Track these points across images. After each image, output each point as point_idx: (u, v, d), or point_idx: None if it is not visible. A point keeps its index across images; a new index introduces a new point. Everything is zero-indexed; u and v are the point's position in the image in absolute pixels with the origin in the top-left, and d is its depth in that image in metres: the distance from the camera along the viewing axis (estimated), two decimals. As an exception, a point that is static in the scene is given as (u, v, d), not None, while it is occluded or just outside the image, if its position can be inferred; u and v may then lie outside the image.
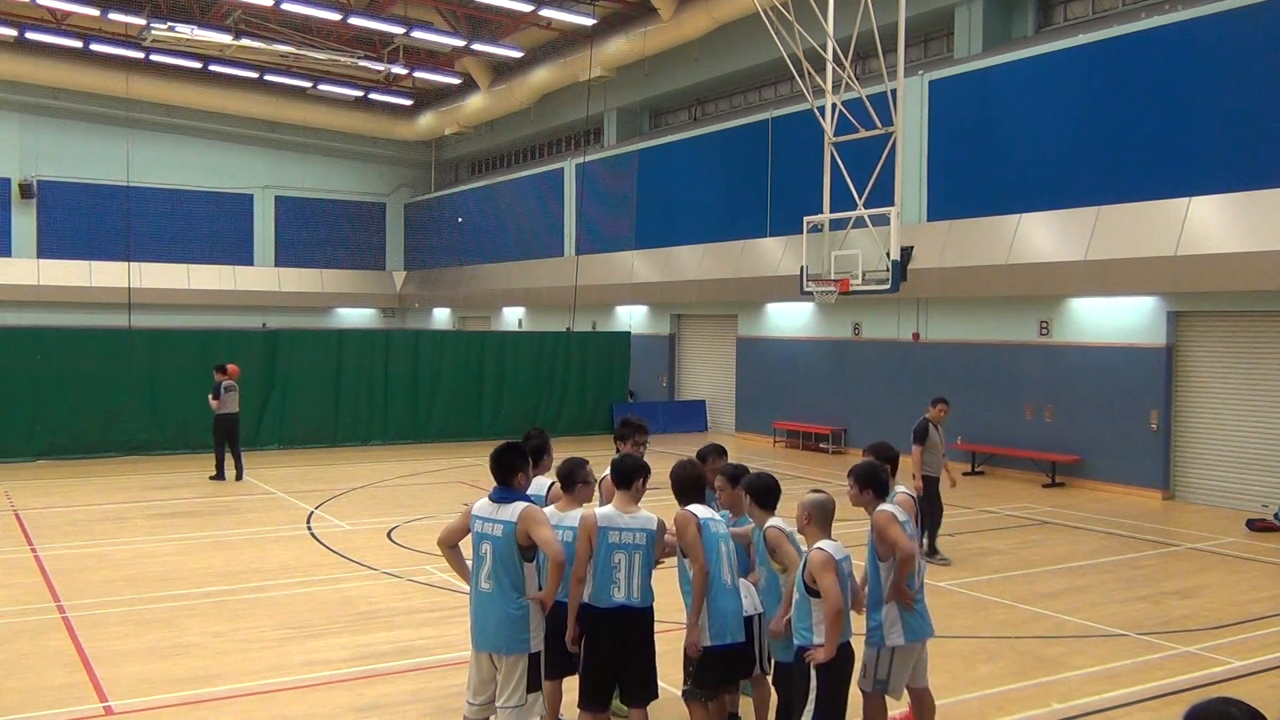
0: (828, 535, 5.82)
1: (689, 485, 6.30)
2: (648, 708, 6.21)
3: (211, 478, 17.68)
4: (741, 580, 6.33)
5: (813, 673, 5.60)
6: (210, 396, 17.63)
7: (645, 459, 6.72)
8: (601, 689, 6.14)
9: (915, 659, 6.39)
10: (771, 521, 6.20)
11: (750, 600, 6.33)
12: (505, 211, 36.41)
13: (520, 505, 5.80)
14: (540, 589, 5.90)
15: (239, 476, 17.76)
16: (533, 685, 5.81)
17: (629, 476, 6.21)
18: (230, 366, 17.98)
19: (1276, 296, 15.46)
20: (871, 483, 6.35)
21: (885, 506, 6.27)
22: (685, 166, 27.49)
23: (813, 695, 5.61)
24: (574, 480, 6.34)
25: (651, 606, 6.20)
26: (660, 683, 6.36)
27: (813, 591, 5.60)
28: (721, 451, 7.29)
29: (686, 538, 6.04)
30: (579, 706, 6.21)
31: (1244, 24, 15.90)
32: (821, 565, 5.57)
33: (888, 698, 6.43)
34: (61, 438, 19.98)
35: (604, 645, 6.06)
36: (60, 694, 7.59)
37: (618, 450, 7.04)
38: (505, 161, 40.10)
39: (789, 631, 5.85)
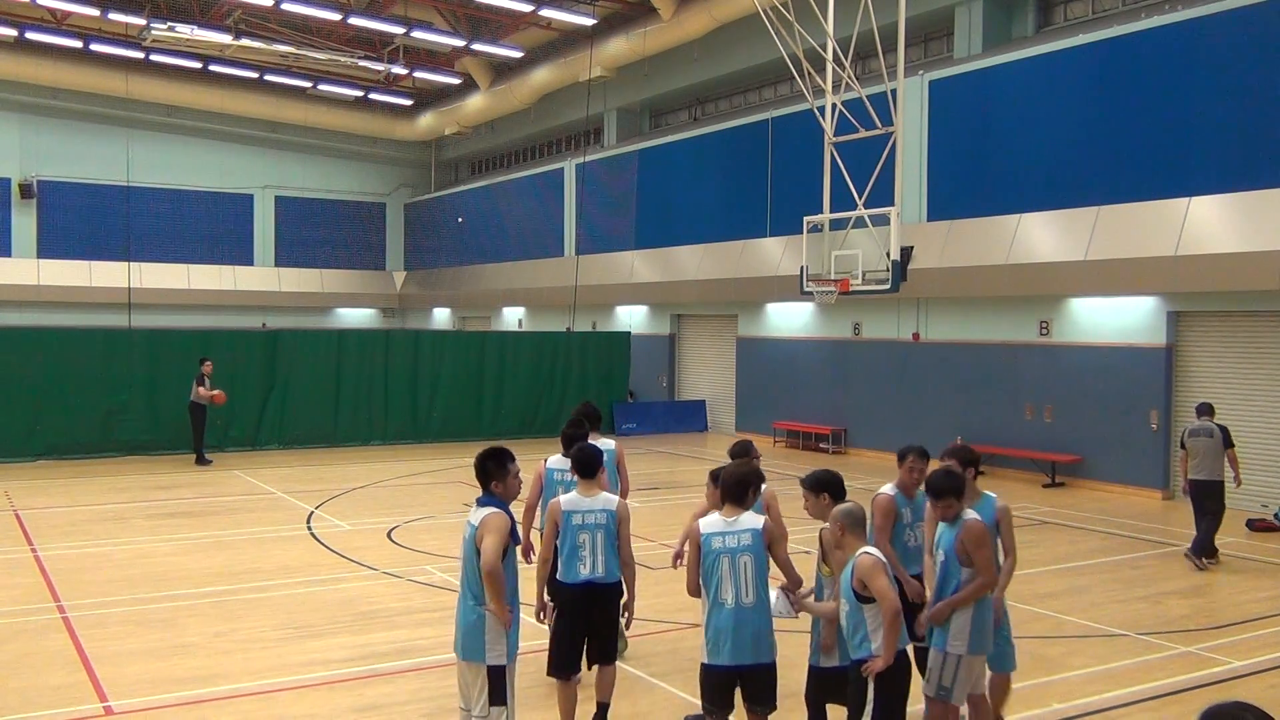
0: (866, 542, 5.72)
1: (728, 488, 5.94)
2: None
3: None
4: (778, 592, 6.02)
5: (870, 682, 5.44)
6: None
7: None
8: (571, 658, 6.68)
9: (980, 670, 6.24)
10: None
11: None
12: (505, 211, 36.41)
13: (484, 511, 5.71)
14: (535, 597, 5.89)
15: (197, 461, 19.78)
16: (495, 698, 5.62)
17: (591, 465, 6.80)
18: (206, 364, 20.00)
19: (1276, 296, 15.46)
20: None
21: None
22: (685, 166, 27.49)
23: (870, 707, 5.42)
24: (596, 468, 6.84)
25: (618, 581, 6.69)
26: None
27: (863, 599, 5.43)
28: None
29: (689, 548, 5.99)
30: (549, 674, 6.68)
31: (1244, 24, 15.90)
32: (871, 568, 5.41)
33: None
34: (61, 438, 19.98)
35: (574, 617, 6.64)
36: (60, 694, 7.59)
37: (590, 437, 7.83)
38: (505, 161, 40.10)
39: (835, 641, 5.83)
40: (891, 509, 7.01)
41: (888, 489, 7.12)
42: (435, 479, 18.57)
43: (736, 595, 5.69)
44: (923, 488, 6.67)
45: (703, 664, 5.84)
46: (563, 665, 6.67)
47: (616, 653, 6.98)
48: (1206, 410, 12.72)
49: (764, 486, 7.09)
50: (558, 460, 8.03)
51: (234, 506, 15.60)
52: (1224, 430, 12.37)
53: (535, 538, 7.68)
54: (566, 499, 6.75)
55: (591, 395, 25.85)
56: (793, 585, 5.97)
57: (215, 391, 19.58)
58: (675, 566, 7.12)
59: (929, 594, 6.44)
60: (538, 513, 8.00)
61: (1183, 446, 12.69)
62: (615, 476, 8.47)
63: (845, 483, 6.25)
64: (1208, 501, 12.33)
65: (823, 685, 6.04)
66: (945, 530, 6.23)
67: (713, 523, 5.85)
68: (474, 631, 5.64)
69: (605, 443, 8.31)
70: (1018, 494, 17.31)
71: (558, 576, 6.68)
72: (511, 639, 5.68)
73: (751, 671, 5.75)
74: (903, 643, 5.52)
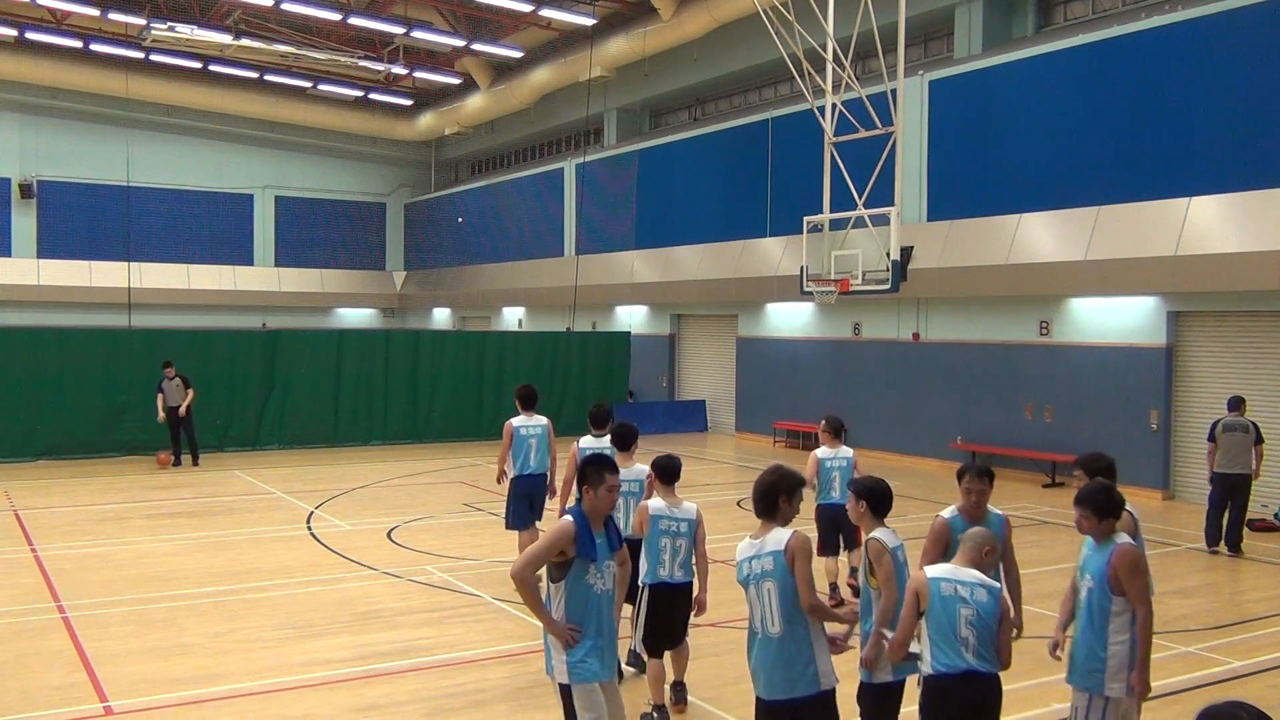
0: (961, 560, 5.52)
1: (755, 501, 5.40)
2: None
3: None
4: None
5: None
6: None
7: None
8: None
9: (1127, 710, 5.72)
10: (875, 533, 5.81)
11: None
12: (505, 211, 36.41)
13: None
14: (565, 614, 5.24)
15: (177, 463, 19.56)
16: (566, 717, 5.27)
17: (627, 440, 8.49)
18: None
19: (1276, 296, 15.47)
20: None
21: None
22: (685, 166, 27.48)
23: None
24: (631, 442, 8.57)
25: (690, 582, 7.26)
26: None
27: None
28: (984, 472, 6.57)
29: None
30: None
31: (1244, 24, 15.90)
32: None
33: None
34: (61, 438, 19.98)
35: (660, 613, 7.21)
36: (60, 694, 7.59)
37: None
38: (505, 161, 40.10)
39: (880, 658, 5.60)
40: (943, 534, 6.36)
41: (946, 511, 6.50)
42: (435, 479, 18.57)
43: (764, 625, 5.22)
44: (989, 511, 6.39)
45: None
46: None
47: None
48: (1238, 404, 13.23)
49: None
50: (589, 440, 9.51)
51: (234, 506, 15.60)
52: (1255, 426, 13.04)
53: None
54: (654, 504, 7.66)
55: (591, 395, 25.90)
56: (804, 607, 5.20)
57: (177, 405, 19.18)
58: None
59: (1058, 624, 6.10)
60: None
61: (1211, 439, 13.11)
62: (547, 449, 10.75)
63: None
64: (1237, 495, 12.94)
65: (877, 700, 5.77)
66: (1094, 553, 5.71)
67: (743, 546, 5.34)
68: (546, 645, 5.32)
69: (539, 420, 10.72)
70: (1018, 494, 17.31)
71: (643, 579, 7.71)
72: (575, 658, 5.15)
73: (798, 706, 5.18)
74: (948, 666, 5.19)
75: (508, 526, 10.92)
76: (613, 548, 5.33)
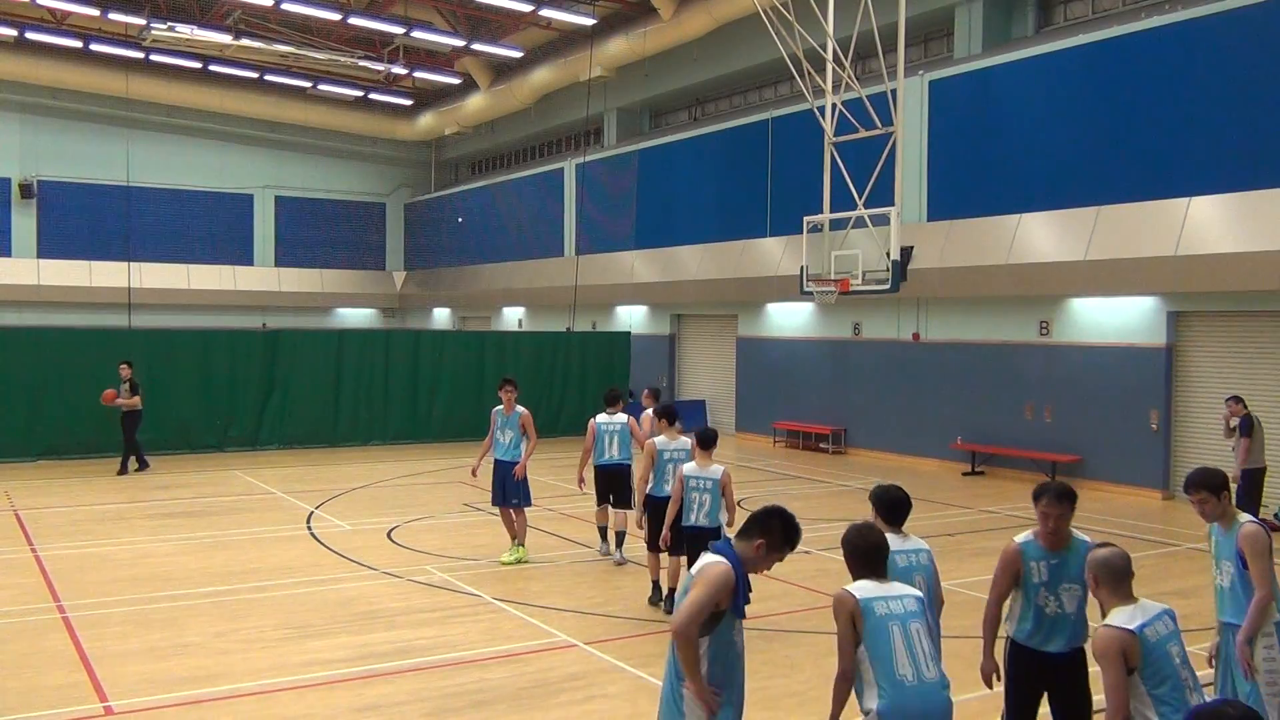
0: (1120, 600, 4.86)
1: (857, 556, 4.85)
2: None
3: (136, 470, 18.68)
4: None
5: None
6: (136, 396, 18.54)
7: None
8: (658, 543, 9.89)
9: None
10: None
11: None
12: (505, 211, 36.41)
13: (708, 559, 4.66)
14: (707, 674, 4.53)
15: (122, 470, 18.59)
16: None
17: (671, 415, 10.39)
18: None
19: (1276, 296, 15.47)
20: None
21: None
22: (685, 166, 27.49)
23: None
24: (675, 417, 10.49)
25: (719, 527, 9.13)
26: None
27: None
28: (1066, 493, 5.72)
29: (837, 626, 4.70)
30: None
31: (1244, 24, 15.90)
32: (1101, 650, 4.58)
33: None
34: (61, 438, 19.97)
35: (656, 520, 9.91)
36: (60, 694, 7.59)
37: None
38: (505, 161, 40.11)
39: None
40: (1013, 562, 5.66)
41: (1020, 537, 5.76)
42: (435, 479, 18.58)
43: (918, 671, 4.55)
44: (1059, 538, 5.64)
45: None
46: (667, 548, 9.58)
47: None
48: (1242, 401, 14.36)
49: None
50: (604, 418, 11.96)
51: (234, 506, 15.60)
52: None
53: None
54: (659, 440, 10.23)
55: (592, 395, 25.91)
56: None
57: (128, 399, 18.45)
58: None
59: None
60: (591, 458, 11.98)
61: (1248, 434, 13.82)
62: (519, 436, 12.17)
63: (905, 507, 5.68)
64: (1259, 486, 13.84)
65: None
66: (1224, 538, 5.58)
67: (867, 586, 4.71)
68: (668, 708, 4.58)
69: (620, 417, 12.17)
70: (1018, 494, 17.32)
71: (650, 491, 10.16)
72: None
73: None
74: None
75: (497, 503, 12.31)
76: (747, 601, 4.69)
